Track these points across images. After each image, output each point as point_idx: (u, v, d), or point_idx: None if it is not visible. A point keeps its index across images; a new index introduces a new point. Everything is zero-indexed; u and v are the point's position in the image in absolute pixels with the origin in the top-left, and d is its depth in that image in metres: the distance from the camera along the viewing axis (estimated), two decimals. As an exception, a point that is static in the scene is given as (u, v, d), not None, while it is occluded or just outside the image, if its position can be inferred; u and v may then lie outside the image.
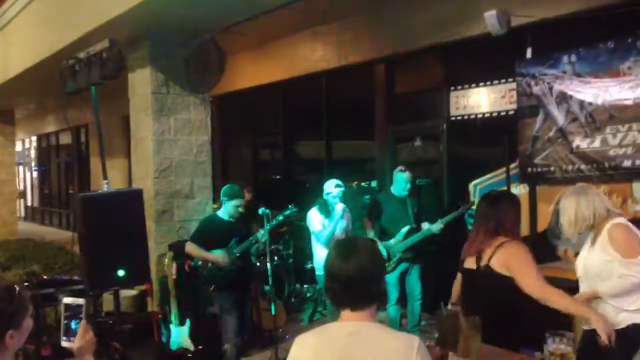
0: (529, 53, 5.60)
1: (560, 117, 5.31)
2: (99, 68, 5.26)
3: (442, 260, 5.69)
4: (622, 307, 3.09)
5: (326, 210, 5.56)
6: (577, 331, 3.32)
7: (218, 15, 5.92)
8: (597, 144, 5.05)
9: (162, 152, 6.61)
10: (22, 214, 20.71)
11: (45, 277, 5.76)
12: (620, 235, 3.11)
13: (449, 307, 3.28)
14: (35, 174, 21.30)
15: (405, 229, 5.61)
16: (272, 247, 6.64)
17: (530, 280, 2.94)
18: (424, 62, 7.04)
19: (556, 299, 2.90)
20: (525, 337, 2.93)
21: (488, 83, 6.18)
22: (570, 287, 3.25)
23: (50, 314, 5.38)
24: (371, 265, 1.94)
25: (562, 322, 3.14)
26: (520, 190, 5.69)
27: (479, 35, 5.73)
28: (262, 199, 7.14)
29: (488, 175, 6.17)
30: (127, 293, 6.40)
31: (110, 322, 5.29)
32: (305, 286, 7.42)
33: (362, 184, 7.89)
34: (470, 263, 3.25)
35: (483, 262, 3.13)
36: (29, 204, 21.63)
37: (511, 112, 5.87)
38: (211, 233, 5.08)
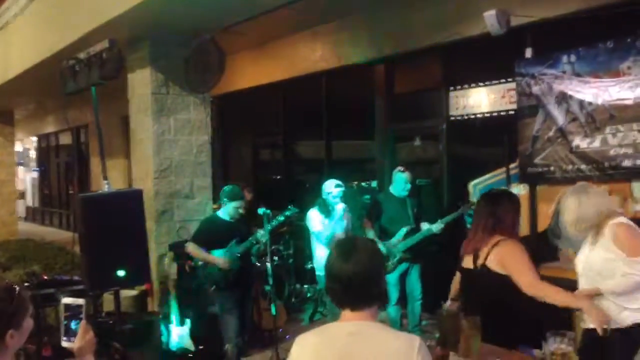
0: (528, 53, 5.60)
1: (560, 117, 5.31)
2: (99, 68, 5.27)
3: (442, 260, 5.68)
4: (624, 306, 3.10)
5: (326, 210, 5.57)
6: (577, 331, 3.32)
7: (218, 15, 5.92)
8: (597, 143, 5.05)
9: (162, 152, 6.61)
10: (22, 214, 20.70)
11: (45, 277, 5.76)
12: (624, 234, 3.11)
13: (448, 302, 3.30)
14: (35, 174, 21.31)
15: (405, 229, 5.62)
16: (273, 247, 6.64)
17: (526, 278, 2.97)
18: (423, 62, 7.04)
19: (551, 295, 2.94)
20: (523, 335, 2.94)
21: (488, 83, 6.18)
22: (570, 287, 3.25)
23: (50, 314, 5.38)
24: (371, 265, 1.94)
25: (561, 320, 3.16)
26: (520, 190, 5.68)
27: (479, 35, 5.73)
28: (262, 199, 7.14)
29: (488, 175, 6.16)
30: (127, 293, 6.39)
31: (111, 322, 5.29)
32: (305, 286, 7.42)
33: (362, 184, 7.89)
34: (467, 262, 3.27)
35: (480, 262, 3.16)
36: (29, 204, 21.63)
37: (511, 112, 5.86)
38: (212, 233, 5.09)
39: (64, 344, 2.20)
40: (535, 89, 5.45)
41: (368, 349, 1.86)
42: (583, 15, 5.08)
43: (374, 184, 7.55)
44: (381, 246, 5.40)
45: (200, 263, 5.21)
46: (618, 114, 4.89)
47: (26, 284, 4.93)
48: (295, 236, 7.53)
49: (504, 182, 5.79)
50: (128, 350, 4.34)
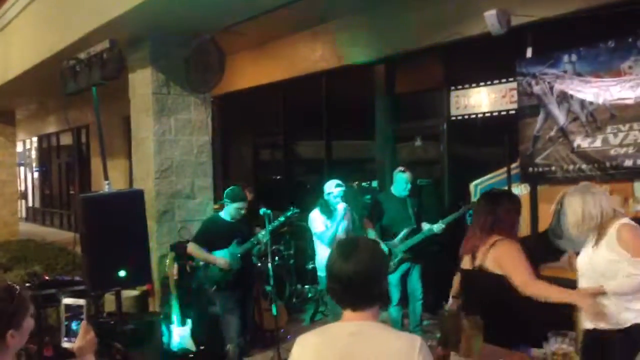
0: (529, 52, 5.60)
1: (561, 116, 5.30)
2: (100, 69, 5.27)
3: (443, 260, 5.68)
4: (626, 306, 3.10)
5: (328, 211, 5.56)
6: (578, 331, 3.32)
7: (218, 15, 5.92)
8: (598, 143, 5.05)
9: (163, 152, 6.61)
10: (23, 214, 20.71)
11: (46, 277, 5.75)
12: (628, 235, 3.11)
13: (450, 300, 3.31)
14: (36, 174, 21.31)
15: (407, 229, 5.62)
16: (273, 247, 6.64)
17: (521, 277, 2.99)
18: (424, 61, 7.04)
19: (545, 292, 2.95)
20: (522, 334, 2.95)
21: (488, 83, 6.17)
22: (571, 287, 3.25)
23: (52, 315, 5.38)
24: (372, 265, 1.93)
25: (560, 319, 3.16)
26: (521, 190, 5.68)
27: (479, 34, 5.72)
28: (262, 199, 7.15)
29: (489, 175, 6.16)
30: (128, 293, 6.39)
31: (112, 322, 5.29)
32: (306, 286, 7.42)
33: (363, 184, 7.89)
34: (466, 262, 3.27)
35: (477, 262, 3.17)
36: (30, 204, 21.64)
37: (512, 112, 5.86)
38: (213, 234, 5.09)
39: (65, 344, 2.21)
40: (536, 89, 5.45)
41: (369, 349, 1.85)
42: (584, 15, 5.07)
43: (375, 184, 7.55)
44: (383, 246, 5.40)
45: (201, 263, 5.21)
46: (619, 114, 4.89)
47: (27, 285, 4.93)
48: (296, 236, 7.53)
49: (505, 182, 5.78)
50: (129, 350, 4.33)
